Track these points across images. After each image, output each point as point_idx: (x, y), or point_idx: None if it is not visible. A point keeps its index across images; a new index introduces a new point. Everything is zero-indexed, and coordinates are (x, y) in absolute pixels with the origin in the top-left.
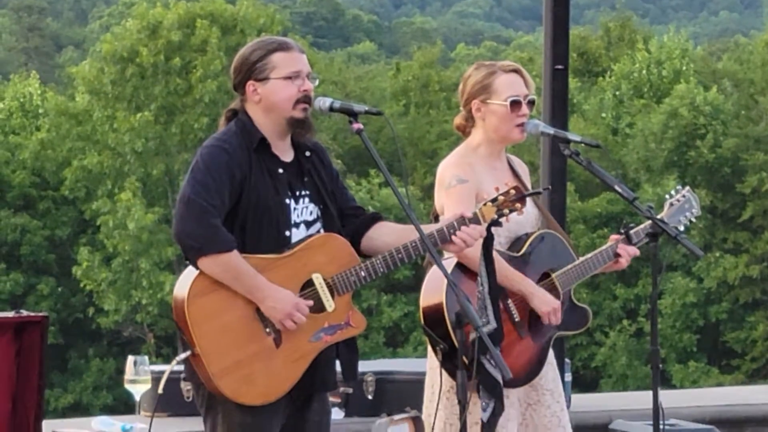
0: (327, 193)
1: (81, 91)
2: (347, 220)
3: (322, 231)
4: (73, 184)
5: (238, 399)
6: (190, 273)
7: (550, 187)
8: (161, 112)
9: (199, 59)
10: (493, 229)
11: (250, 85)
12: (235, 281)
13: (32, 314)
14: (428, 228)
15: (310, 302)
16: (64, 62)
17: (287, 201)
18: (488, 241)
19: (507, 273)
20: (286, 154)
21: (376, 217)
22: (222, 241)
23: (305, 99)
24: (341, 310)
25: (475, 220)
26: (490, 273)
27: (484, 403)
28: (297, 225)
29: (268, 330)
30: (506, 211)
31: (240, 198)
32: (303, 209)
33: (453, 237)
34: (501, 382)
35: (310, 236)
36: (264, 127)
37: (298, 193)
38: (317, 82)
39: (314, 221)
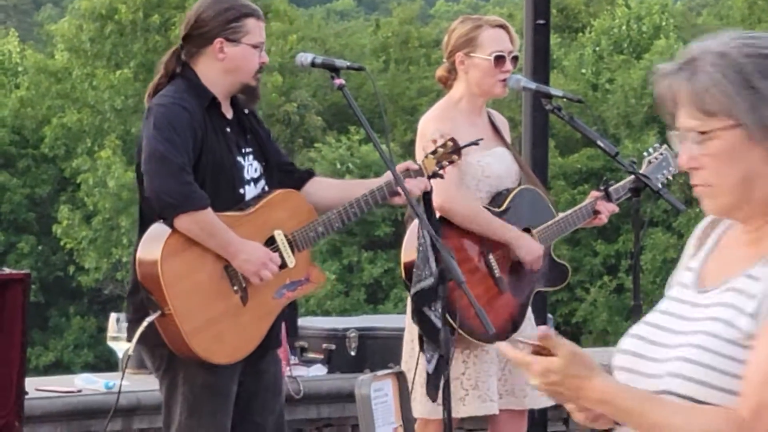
0: (266, 149)
1: (60, 49)
2: (282, 176)
3: (266, 187)
4: (52, 142)
5: (209, 358)
6: (158, 234)
7: (482, 139)
8: (141, 69)
9: (177, 16)
10: (475, 183)
11: (219, 42)
12: (211, 237)
13: (14, 272)
14: (374, 182)
15: (276, 255)
16: (43, 20)
17: (239, 159)
18: (428, 194)
19: (491, 223)
20: (229, 113)
21: (311, 173)
22: (199, 198)
23: (261, 70)
24: (301, 266)
25: (419, 172)
26: (432, 223)
27: (428, 355)
28: (248, 182)
29: (235, 288)
30: (445, 162)
31: (199, 157)
32: (248, 166)
33: (398, 189)
34: (444, 333)
35: (266, 193)
36: (214, 87)
37: (244, 151)
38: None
39: (259, 178)
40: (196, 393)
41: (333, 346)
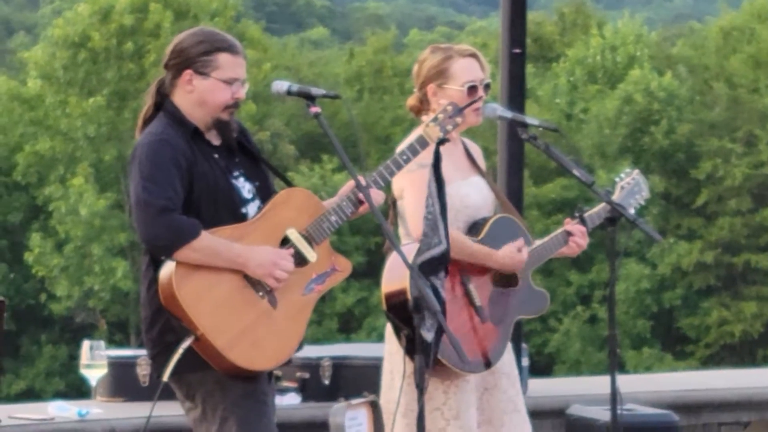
0: (259, 169)
1: (33, 76)
2: None
3: (262, 206)
4: (25, 170)
5: (252, 366)
6: (170, 262)
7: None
8: (114, 97)
9: (152, 44)
10: (453, 214)
11: (187, 74)
12: (216, 258)
13: None
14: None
15: (291, 250)
16: (16, 47)
17: (233, 181)
18: (437, 160)
19: (471, 250)
20: (215, 140)
21: None
22: (189, 230)
23: (235, 105)
24: (324, 258)
25: (423, 143)
26: (440, 192)
27: (429, 323)
28: (248, 202)
29: (261, 294)
30: (449, 127)
31: (192, 187)
32: (241, 188)
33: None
34: (419, 362)
35: (268, 199)
36: (192, 117)
37: (235, 173)
38: (247, 88)
39: (253, 198)
40: (241, 404)
41: (307, 375)
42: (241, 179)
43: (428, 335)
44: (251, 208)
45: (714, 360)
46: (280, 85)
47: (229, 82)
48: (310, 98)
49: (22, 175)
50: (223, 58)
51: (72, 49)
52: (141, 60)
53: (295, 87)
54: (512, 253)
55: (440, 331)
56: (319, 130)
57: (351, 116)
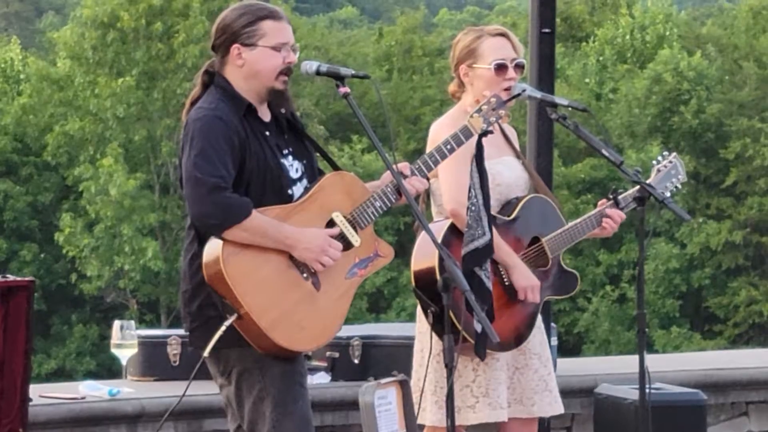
0: (306, 147)
1: (62, 57)
2: None
3: (308, 186)
4: (55, 150)
5: (294, 347)
6: (216, 239)
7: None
8: (143, 77)
9: (181, 24)
10: None
11: (235, 49)
12: (264, 238)
13: (19, 279)
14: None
15: (337, 229)
16: (45, 27)
17: (282, 161)
18: (480, 152)
19: (495, 241)
20: (266, 116)
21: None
22: (239, 210)
23: (288, 71)
24: (367, 243)
25: (467, 133)
26: (483, 184)
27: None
28: (295, 182)
29: (305, 275)
30: (492, 119)
31: (243, 165)
32: (290, 167)
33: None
34: (449, 342)
35: (315, 181)
36: (245, 93)
37: (284, 152)
38: (298, 53)
39: (301, 177)
40: (278, 385)
41: (336, 354)
42: (290, 158)
43: (477, 327)
44: (297, 189)
45: (742, 339)
46: (310, 66)
47: (277, 48)
48: (340, 78)
49: (52, 156)
50: (266, 25)
51: (101, 29)
52: (170, 40)
53: (325, 67)
54: (528, 274)
55: (491, 314)
56: (349, 111)
57: (380, 96)
